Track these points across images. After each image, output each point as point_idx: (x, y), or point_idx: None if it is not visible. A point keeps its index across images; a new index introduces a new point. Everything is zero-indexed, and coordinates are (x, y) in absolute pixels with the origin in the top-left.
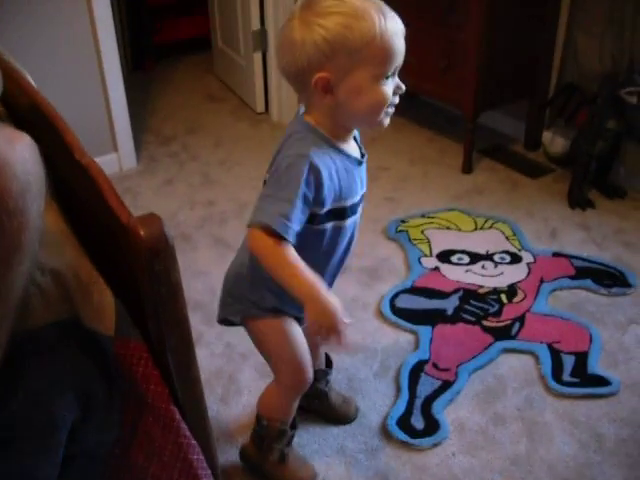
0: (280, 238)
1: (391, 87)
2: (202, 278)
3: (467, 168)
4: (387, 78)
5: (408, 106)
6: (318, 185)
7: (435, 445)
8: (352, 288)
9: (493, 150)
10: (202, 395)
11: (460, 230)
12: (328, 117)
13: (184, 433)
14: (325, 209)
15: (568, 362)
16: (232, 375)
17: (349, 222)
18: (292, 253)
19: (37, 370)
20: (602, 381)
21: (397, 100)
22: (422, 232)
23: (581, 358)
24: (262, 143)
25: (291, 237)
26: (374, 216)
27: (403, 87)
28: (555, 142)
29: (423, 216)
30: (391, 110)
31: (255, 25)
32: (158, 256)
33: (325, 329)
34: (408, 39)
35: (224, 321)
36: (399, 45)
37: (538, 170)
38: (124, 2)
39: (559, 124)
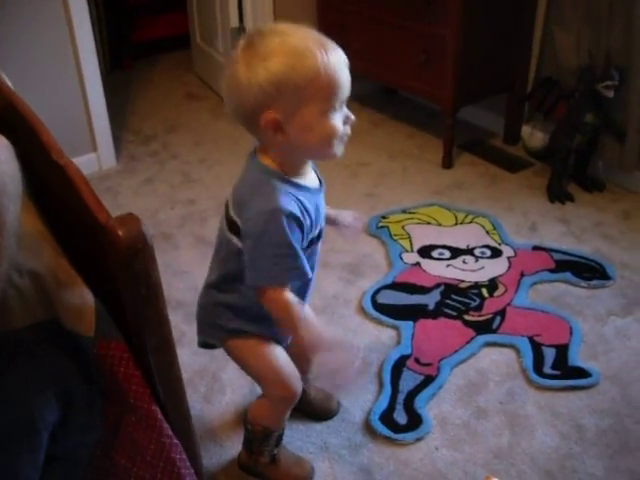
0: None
1: (340, 119)
2: (183, 277)
3: (447, 163)
4: (335, 111)
5: (387, 102)
6: (299, 226)
7: (418, 440)
8: (333, 285)
9: (473, 145)
10: (184, 394)
11: (440, 225)
12: (282, 154)
13: (166, 432)
14: (306, 243)
15: (549, 355)
16: (215, 374)
17: (318, 245)
18: (303, 310)
19: (17, 372)
20: (582, 373)
21: (349, 130)
22: (403, 228)
23: (562, 350)
24: (242, 142)
25: (308, 272)
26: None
27: (352, 117)
28: (534, 136)
29: (404, 212)
30: (344, 139)
31: (234, 22)
32: (137, 256)
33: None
34: (386, 35)
35: (204, 345)
36: (343, 77)
37: (517, 164)
38: (101, 0)
39: (538, 118)
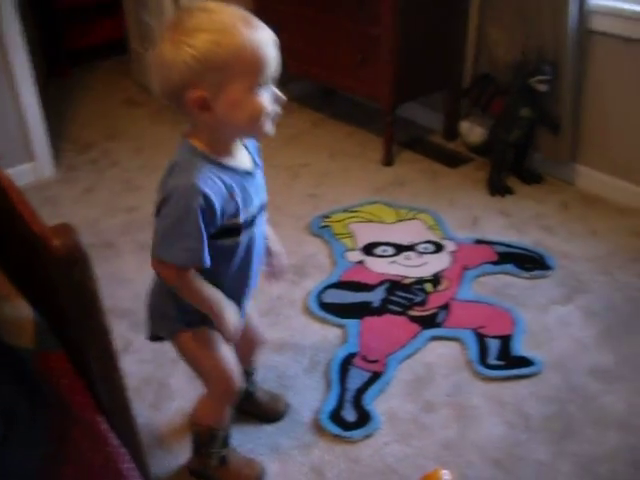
0: (185, 269)
1: (268, 97)
2: (128, 285)
3: (388, 161)
4: (262, 88)
5: (326, 102)
6: (210, 209)
7: (367, 436)
8: (278, 286)
9: (413, 142)
10: (128, 403)
11: (383, 222)
12: (210, 133)
13: (112, 442)
14: (218, 227)
15: (493, 346)
16: (162, 381)
17: (250, 234)
18: (196, 279)
19: None
20: (526, 362)
21: (279, 109)
22: (346, 226)
23: (505, 341)
24: None
25: (205, 261)
26: (297, 213)
27: (283, 97)
28: (473, 132)
29: (346, 210)
30: (274, 118)
31: None
32: (74, 266)
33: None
34: (323, 35)
35: (153, 337)
36: (269, 54)
37: (457, 160)
38: (31, 6)
39: (476, 114)
